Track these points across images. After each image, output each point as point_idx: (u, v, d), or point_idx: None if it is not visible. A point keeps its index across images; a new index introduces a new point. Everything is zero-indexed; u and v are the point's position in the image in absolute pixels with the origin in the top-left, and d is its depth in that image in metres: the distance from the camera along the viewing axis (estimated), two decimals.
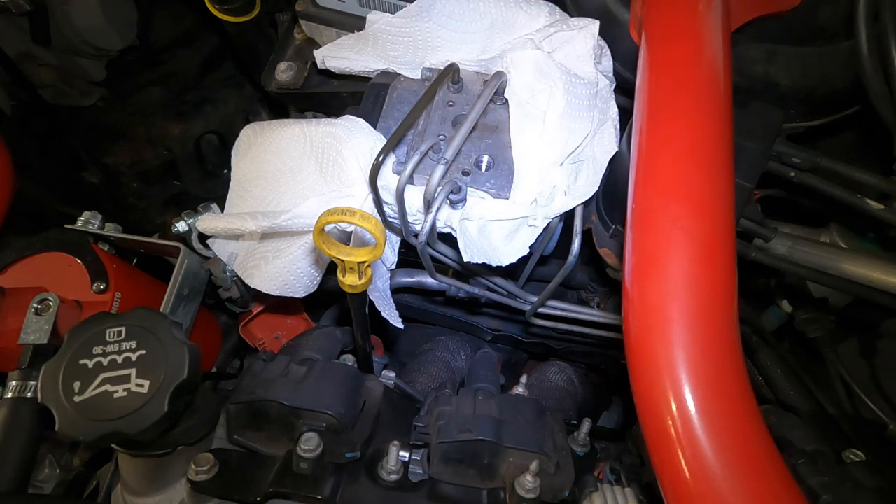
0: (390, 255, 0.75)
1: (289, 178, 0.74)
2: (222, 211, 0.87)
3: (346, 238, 0.69)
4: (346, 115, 0.72)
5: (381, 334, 1.12)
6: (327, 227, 0.52)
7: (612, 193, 0.71)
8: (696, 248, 0.44)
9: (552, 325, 0.88)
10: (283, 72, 0.94)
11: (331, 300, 1.09)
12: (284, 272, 0.73)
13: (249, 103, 1.49)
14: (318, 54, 0.81)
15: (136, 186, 1.44)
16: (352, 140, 0.69)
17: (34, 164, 1.28)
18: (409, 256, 0.87)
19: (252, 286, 0.73)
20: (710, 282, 0.42)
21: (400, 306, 1.00)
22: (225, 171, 1.48)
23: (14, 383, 0.63)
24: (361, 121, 0.70)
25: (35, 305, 0.65)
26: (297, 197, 0.73)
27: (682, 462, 0.41)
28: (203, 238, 0.84)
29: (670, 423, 0.41)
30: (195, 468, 0.56)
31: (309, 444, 0.56)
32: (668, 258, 0.44)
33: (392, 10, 0.78)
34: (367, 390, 0.67)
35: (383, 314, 0.72)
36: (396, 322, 0.74)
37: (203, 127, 1.48)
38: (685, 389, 0.41)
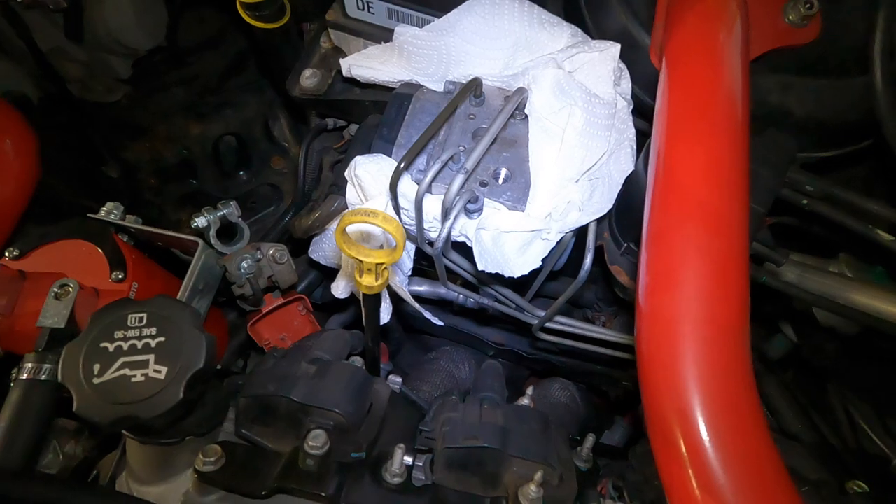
0: (407, 261, 0.77)
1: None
2: (240, 211, 0.88)
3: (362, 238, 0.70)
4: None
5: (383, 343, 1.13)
6: (349, 228, 0.54)
7: (625, 212, 0.73)
8: (711, 265, 0.45)
9: (558, 340, 0.88)
10: (308, 78, 0.96)
11: (337, 305, 1.10)
12: None
13: (269, 108, 1.52)
14: (345, 62, 0.83)
15: (153, 183, 1.46)
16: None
17: (56, 155, 1.30)
18: (418, 265, 0.89)
19: None
20: (723, 298, 0.43)
21: (405, 316, 1.01)
22: (241, 172, 1.50)
23: (29, 365, 0.63)
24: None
25: (55, 290, 0.67)
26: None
27: (692, 477, 0.41)
28: (220, 234, 0.85)
29: (680, 435, 0.42)
30: (203, 458, 0.56)
31: (317, 440, 0.57)
32: (682, 274, 0.45)
33: (420, 23, 0.80)
34: (375, 393, 0.68)
35: (426, 315, 0.78)
36: (435, 320, 0.77)
37: (222, 128, 1.50)
38: (696, 403, 0.41)
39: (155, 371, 0.49)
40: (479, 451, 0.60)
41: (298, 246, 0.97)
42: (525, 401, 0.72)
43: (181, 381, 0.49)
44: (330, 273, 1.04)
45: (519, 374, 1.24)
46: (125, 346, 0.50)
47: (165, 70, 1.48)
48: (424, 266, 0.94)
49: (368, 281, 0.58)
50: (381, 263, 0.56)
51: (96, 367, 0.49)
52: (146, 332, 0.51)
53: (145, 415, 0.48)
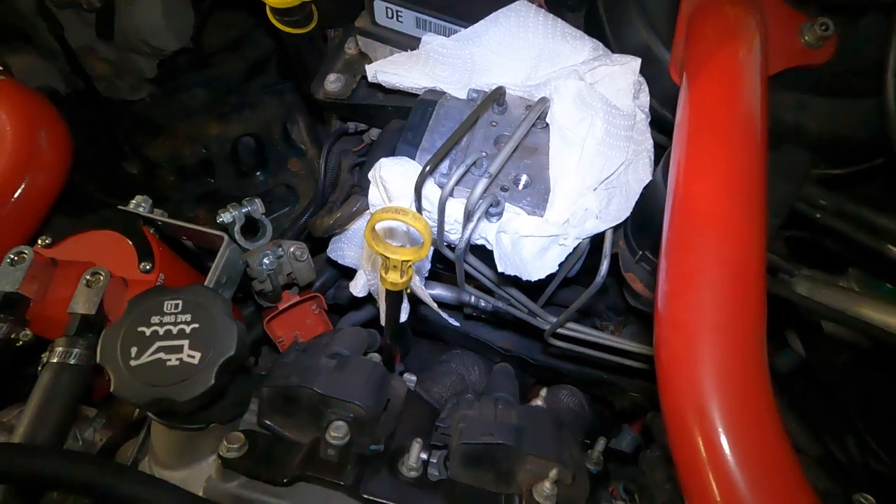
0: (426, 262, 0.78)
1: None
2: (265, 207, 0.91)
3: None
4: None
5: None
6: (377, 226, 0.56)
7: (642, 221, 0.74)
8: (729, 271, 0.47)
9: (568, 346, 0.90)
10: (333, 82, 0.99)
11: (348, 306, 1.12)
12: None
13: (288, 111, 1.55)
14: (371, 68, 0.86)
15: (172, 180, 1.49)
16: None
17: (80, 149, 1.33)
18: (433, 268, 0.90)
19: None
20: (741, 304, 0.45)
21: (416, 318, 1.02)
22: (258, 173, 1.53)
23: (60, 349, 0.65)
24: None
25: (87, 278, 0.69)
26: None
27: (711, 479, 0.42)
28: (243, 230, 0.88)
29: (699, 437, 0.43)
30: (227, 445, 0.58)
31: (338, 431, 0.58)
32: (701, 280, 0.47)
33: (446, 33, 0.83)
34: (392, 389, 0.69)
35: (443, 315, 0.81)
36: (452, 321, 0.80)
37: (241, 129, 1.53)
38: (714, 406, 0.43)
39: (189, 356, 0.51)
40: (495, 448, 0.61)
41: (314, 245, 1.00)
42: (538, 402, 0.74)
43: (213, 367, 0.51)
44: (345, 273, 1.06)
45: (525, 382, 1.25)
46: (161, 331, 0.52)
47: (189, 71, 1.52)
48: (439, 269, 0.96)
49: (394, 278, 0.60)
50: (408, 260, 0.58)
51: (133, 350, 0.51)
52: (181, 318, 0.53)
53: (179, 398, 0.50)
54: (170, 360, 0.51)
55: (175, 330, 0.52)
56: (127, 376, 0.50)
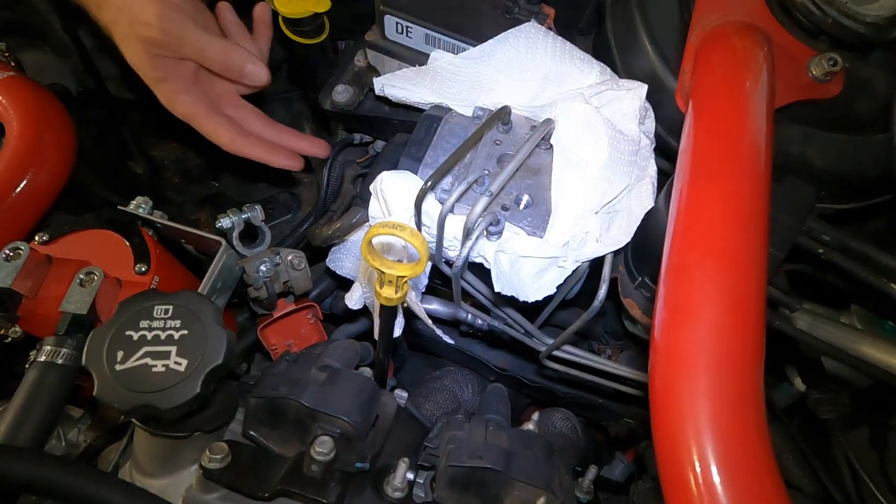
0: (423, 277, 0.78)
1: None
2: (264, 214, 0.91)
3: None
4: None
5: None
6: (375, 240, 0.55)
7: (643, 247, 0.74)
8: (728, 303, 0.46)
9: (564, 369, 0.89)
10: (340, 93, 1.00)
11: (345, 317, 1.11)
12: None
13: (295, 119, 1.56)
14: (378, 81, 0.86)
15: (176, 182, 1.49)
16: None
17: (87, 147, 1.34)
18: (430, 283, 0.90)
19: None
20: (739, 337, 0.44)
21: (411, 333, 1.01)
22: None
23: (48, 348, 0.65)
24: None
25: (81, 277, 0.68)
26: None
27: None
28: (242, 236, 0.87)
29: (690, 473, 0.42)
30: (209, 455, 0.57)
31: (324, 447, 0.57)
32: (699, 309, 0.46)
33: (455, 50, 0.83)
34: (382, 405, 0.68)
35: (437, 332, 0.79)
36: (447, 338, 0.80)
37: None
38: (708, 441, 0.42)
39: (176, 363, 0.50)
40: (483, 472, 0.60)
41: (313, 254, 0.99)
42: (530, 426, 0.72)
43: (200, 375, 0.50)
44: (344, 284, 1.05)
45: (519, 403, 1.23)
46: (149, 335, 0.51)
47: None
48: (437, 284, 0.96)
49: (388, 293, 0.59)
50: (403, 276, 0.57)
51: (119, 354, 0.50)
52: (171, 324, 0.52)
53: (162, 405, 0.49)
54: (156, 366, 0.50)
55: (163, 336, 0.51)
56: (111, 380, 0.49)
